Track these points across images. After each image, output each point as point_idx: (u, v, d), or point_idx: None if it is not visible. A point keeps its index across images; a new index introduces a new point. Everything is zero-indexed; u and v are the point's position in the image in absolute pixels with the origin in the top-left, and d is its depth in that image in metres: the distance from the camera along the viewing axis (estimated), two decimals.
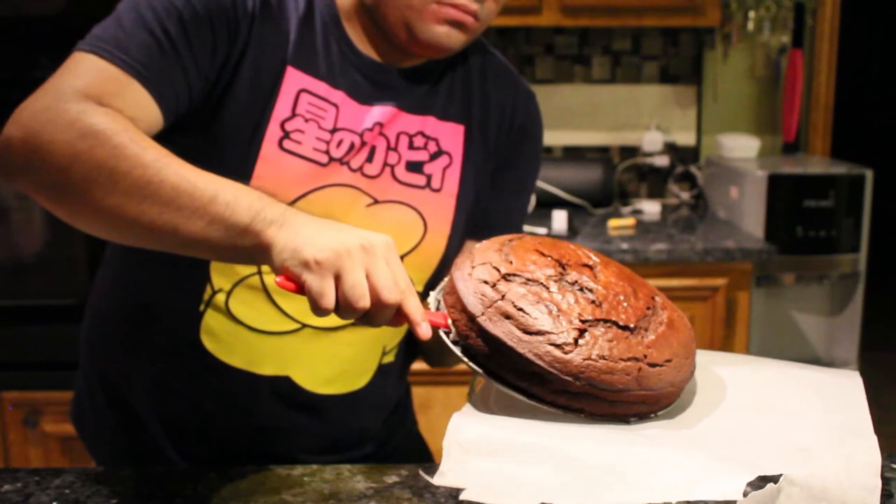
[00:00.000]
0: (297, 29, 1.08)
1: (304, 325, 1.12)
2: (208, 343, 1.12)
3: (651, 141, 3.13)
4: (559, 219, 2.64)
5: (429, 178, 1.15)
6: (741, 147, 3.02)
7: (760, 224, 2.70)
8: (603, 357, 0.83)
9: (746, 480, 0.73)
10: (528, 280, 0.88)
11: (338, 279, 0.82)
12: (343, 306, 0.83)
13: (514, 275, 0.88)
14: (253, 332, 1.12)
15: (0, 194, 2.41)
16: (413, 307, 0.86)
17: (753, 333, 2.67)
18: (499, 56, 1.25)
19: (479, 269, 0.89)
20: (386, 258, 0.84)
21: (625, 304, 0.89)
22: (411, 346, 1.28)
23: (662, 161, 3.17)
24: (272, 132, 1.06)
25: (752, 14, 3.10)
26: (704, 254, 2.54)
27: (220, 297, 1.11)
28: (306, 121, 1.08)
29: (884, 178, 3.25)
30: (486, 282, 0.88)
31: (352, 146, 1.10)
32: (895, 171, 4.99)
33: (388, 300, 0.83)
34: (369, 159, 1.11)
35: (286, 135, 1.07)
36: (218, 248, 0.87)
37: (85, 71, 0.96)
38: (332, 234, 0.84)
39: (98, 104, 0.91)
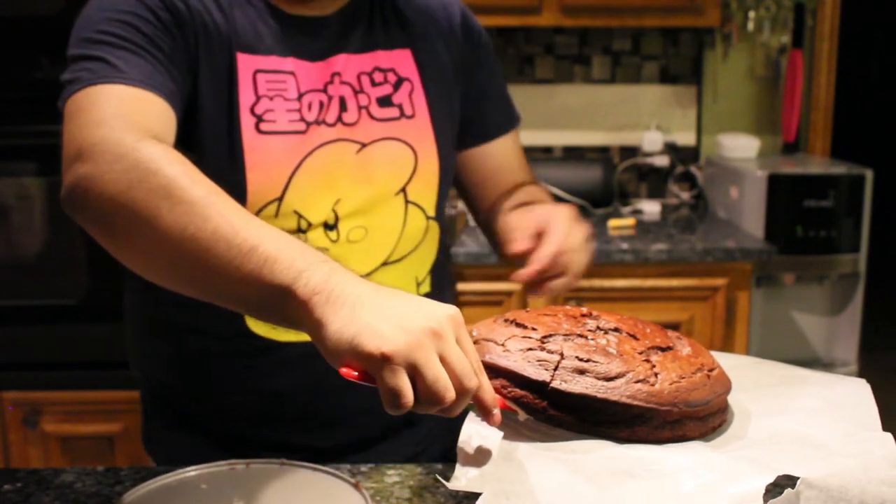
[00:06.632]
0: (229, 14, 1.11)
1: None
2: (255, 327, 1.14)
3: (651, 141, 3.13)
4: None
5: (400, 107, 1.20)
6: (741, 147, 3.02)
7: (760, 224, 2.70)
8: (682, 377, 0.82)
9: (766, 482, 0.73)
10: (566, 335, 0.84)
11: (414, 371, 0.73)
12: (425, 402, 0.74)
13: (550, 335, 0.84)
14: None
15: (0, 194, 2.41)
16: (487, 391, 0.78)
17: (753, 333, 2.67)
18: None
19: (510, 342, 0.84)
20: (456, 336, 0.76)
21: (648, 331, 0.88)
22: (441, 270, 1.28)
23: (662, 161, 3.17)
24: (246, 120, 1.09)
25: (752, 14, 3.10)
26: (704, 254, 2.54)
27: None
28: (271, 98, 1.11)
29: (884, 178, 3.25)
30: (531, 349, 0.83)
31: (322, 104, 1.13)
32: (895, 171, 4.99)
33: (468, 388, 0.75)
34: (343, 108, 1.15)
35: (259, 118, 1.10)
36: (254, 305, 0.81)
37: (108, 100, 0.95)
38: (393, 318, 0.74)
39: (142, 131, 0.90)
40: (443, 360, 0.74)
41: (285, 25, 1.14)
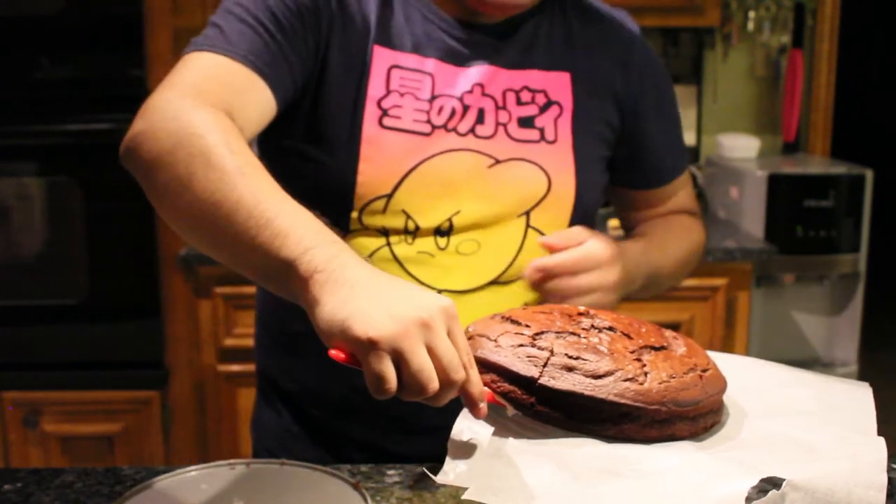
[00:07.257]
0: (377, 7, 1.11)
1: (441, 291, 1.11)
2: None
3: None
4: None
5: (542, 130, 1.16)
6: (741, 147, 3.02)
7: (760, 224, 2.70)
8: (672, 376, 0.82)
9: (751, 484, 0.73)
10: (559, 333, 0.84)
11: (399, 359, 0.74)
12: (409, 390, 0.75)
13: (542, 332, 0.85)
14: None
15: (0, 194, 2.41)
16: (474, 384, 0.79)
17: (753, 333, 2.67)
18: (597, 1, 1.25)
19: (503, 338, 0.85)
20: (448, 328, 0.77)
21: (643, 330, 0.88)
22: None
23: None
24: (370, 112, 1.09)
25: (752, 14, 3.10)
26: (704, 253, 2.53)
27: None
28: (402, 95, 1.10)
29: (884, 178, 3.25)
30: (522, 345, 0.83)
31: (453, 111, 1.11)
32: (895, 171, 4.99)
33: (455, 380, 0.76)
34: (480, 121, 1.13)
35: (384, 112, 1.09)
36: (263, 276, 0.83)
37: (197, 66, 0.99)
38: (385, 305, 0.75)
39: (210, 99, 0.93)
40: (430, 350, 0.75)
41: (439, 28, 1.12)
